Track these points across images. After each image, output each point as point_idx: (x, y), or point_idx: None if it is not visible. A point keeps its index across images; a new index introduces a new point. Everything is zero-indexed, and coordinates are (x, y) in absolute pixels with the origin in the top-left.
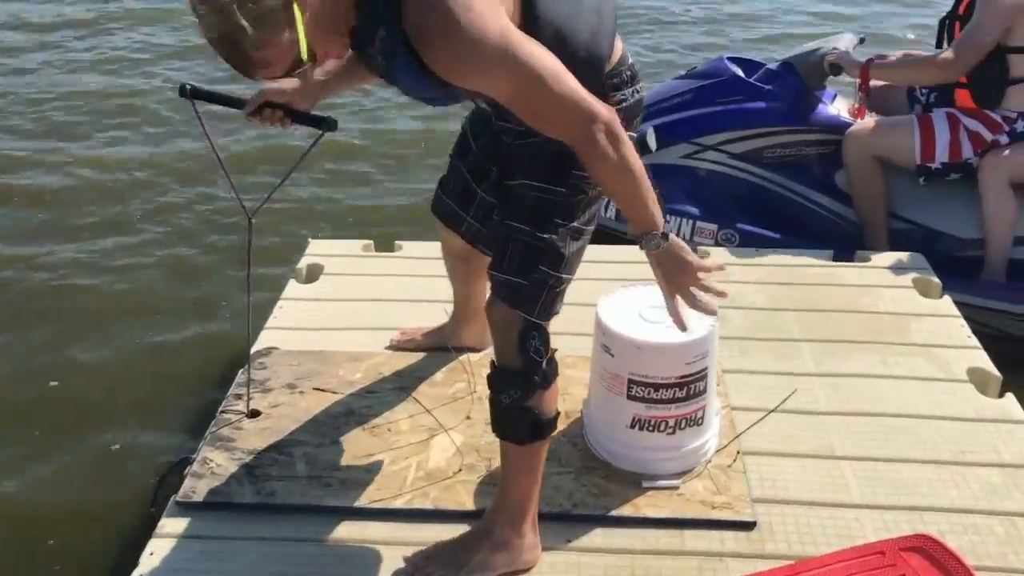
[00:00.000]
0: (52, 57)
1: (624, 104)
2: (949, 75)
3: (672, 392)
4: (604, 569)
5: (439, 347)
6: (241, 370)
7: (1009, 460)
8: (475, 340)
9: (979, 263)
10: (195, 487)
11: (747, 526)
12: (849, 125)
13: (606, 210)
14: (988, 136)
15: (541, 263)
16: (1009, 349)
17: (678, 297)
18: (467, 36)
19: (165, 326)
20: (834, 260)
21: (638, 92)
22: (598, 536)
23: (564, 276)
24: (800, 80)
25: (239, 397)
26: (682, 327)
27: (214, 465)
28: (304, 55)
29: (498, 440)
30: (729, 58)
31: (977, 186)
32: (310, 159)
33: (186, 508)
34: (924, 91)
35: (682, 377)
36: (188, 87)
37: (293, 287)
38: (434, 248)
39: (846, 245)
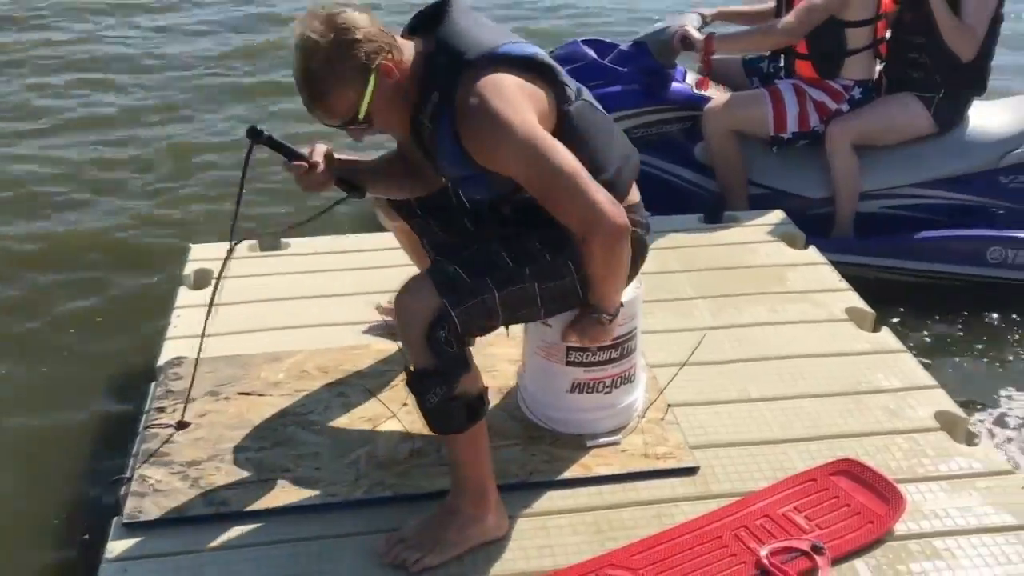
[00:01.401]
0: None
1: (640, 241)
2: (787, 40)
3: (608, 353)
4: (572, 528)
5: None
6: (155, 383)
7: (898, 385)
8: None
9: (830, 220)
10: (140, 506)
11: (691, 471)
12: (703, 99)
13: None
14: (832, 105)
15: (492, 276)
16: (870, 290)
17: (573, 335)
18: (497, 123)
19: (58, 345)
20: (705, 223)
21: (649, 236)
22: (558, 498)
23: (498, 304)
24: (653, 60)
25: (161, 411)
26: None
27: (154, 481)
28: (361, 115)
29: None
30: (583, 41)
31: (823, 150)
32: (181, 165)
33: (133, 528)
34: (764, 62)
35: (616, 338)
36: (265, 134)
37: (185, 295)
38: (321, 243)
39: (711, 211)
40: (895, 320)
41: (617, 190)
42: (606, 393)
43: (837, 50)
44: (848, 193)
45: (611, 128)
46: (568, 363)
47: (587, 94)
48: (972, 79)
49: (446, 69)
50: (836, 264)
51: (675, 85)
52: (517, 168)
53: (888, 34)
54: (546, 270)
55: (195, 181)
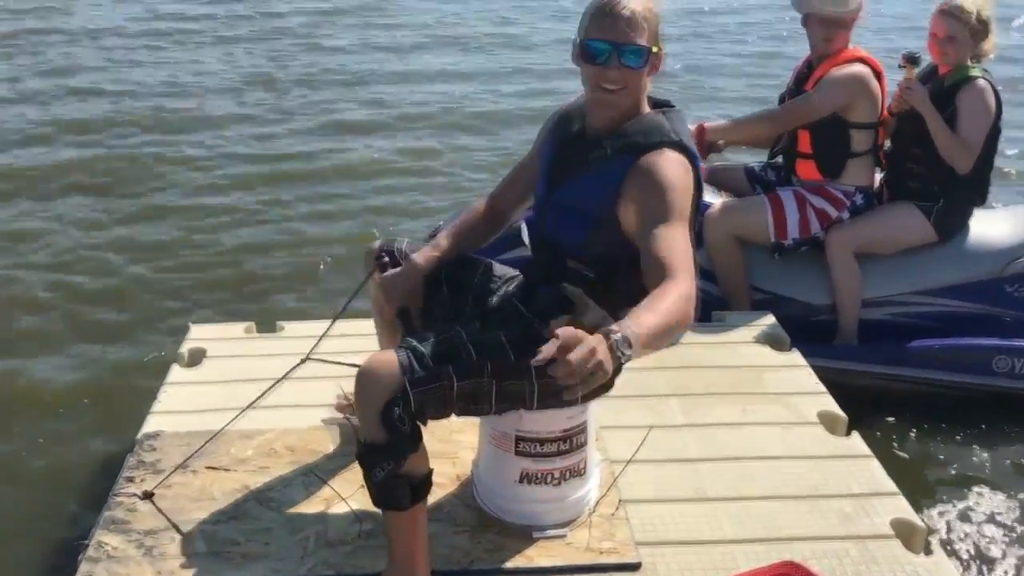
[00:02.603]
0: None
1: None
2: (773, 130)
3: (557, 445)
4: None
5: None
6: (130, 454)
7: (858, 490)
8: None
9: (834, 326)
10: (91, 571)
11: (633, 567)
12: (705, 207)
13: None
14: (833, 213)
15: (454, 365)
16: (854, 391)
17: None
18: (671, 178)
19: (45, 414)
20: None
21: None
22: None
23: (455, 393)
24: None
25: (131, 480)
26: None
27: (109, 548)
28: (655, 49)
29: None
30: None
31: (824, 256)
32: (173, 243)
33: None
34: (764, 169)
35: (565, 430)
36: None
37: (176, 372)
38: (314, 327)
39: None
40: (889, 419)
41: None
42: (555, 485)
43: (841, 150)
44: (850, 301)
45: None
46: (517, 452)
47: None
48: (971, 190)
49: (658, 131)
50: (840, 372)
51: None
52: (657, 204)
53: (888, 143)
54: (508, 369)
55: (197, 259)
